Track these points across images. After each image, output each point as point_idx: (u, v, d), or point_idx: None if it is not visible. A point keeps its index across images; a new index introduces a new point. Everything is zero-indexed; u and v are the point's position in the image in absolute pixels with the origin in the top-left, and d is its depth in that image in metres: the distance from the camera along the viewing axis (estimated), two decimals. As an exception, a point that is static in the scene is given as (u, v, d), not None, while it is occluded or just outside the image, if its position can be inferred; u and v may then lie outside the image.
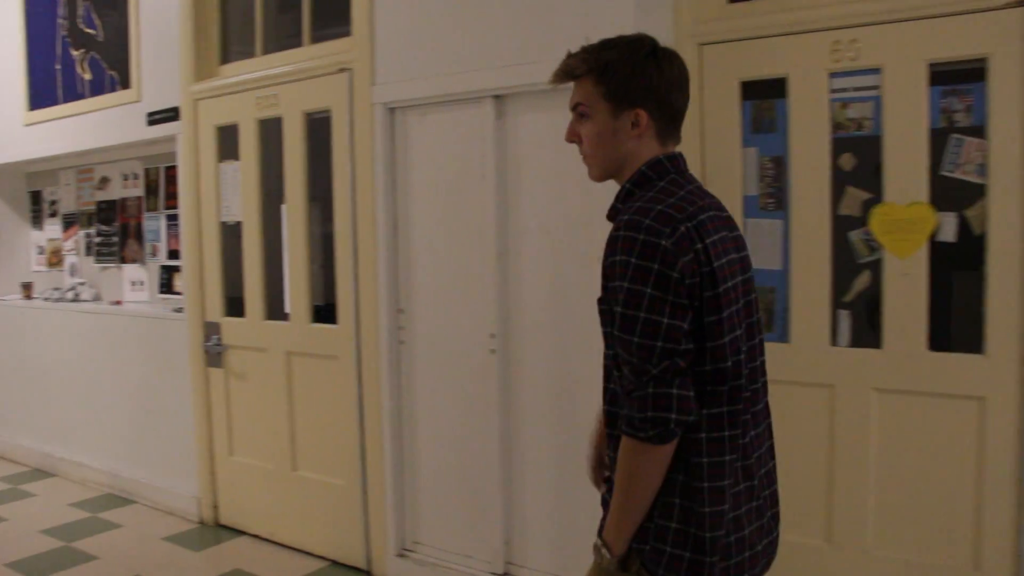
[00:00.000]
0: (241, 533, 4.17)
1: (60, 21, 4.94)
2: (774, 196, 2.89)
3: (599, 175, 1.65)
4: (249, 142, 3.94)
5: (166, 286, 4.90)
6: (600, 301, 1.56)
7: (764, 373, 1.64)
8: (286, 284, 3.91)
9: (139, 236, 5.08)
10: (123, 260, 5.19)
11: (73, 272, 5.58)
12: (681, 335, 1.44)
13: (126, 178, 5.16)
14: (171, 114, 4.29)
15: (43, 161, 5.41)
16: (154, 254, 4.97)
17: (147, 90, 4.42)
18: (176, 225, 4.82)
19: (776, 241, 2.88)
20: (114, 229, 5.26)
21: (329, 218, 3.67)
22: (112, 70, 4.62)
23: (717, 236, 1.51)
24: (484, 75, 3.08)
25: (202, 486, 4.29)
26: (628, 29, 2.72)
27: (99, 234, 5.35)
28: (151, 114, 4.39)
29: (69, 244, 5.61)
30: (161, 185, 4.91)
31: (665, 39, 2.95)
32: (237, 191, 4.01)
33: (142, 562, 3.87)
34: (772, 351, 2.81)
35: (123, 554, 3.97)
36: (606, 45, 1.60)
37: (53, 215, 5.74)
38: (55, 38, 4.98)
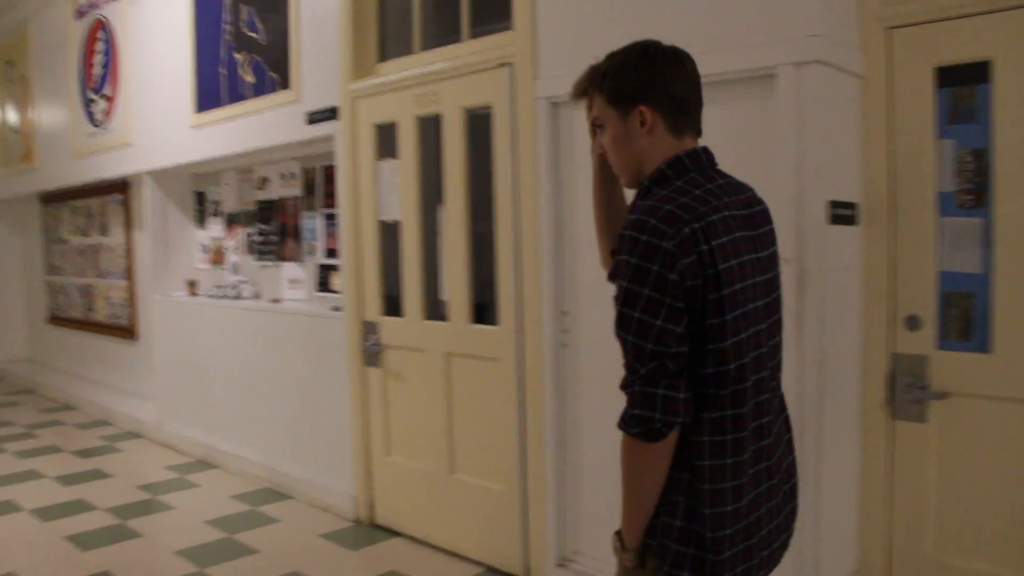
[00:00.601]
0: (396, 534, 4.33)
1: (225, 26, 5.27)
2: (973, 192, 2.74)
3: (628, 180, 1.74)
4: (408, 140, 4.08)
5: (323, 284, 5.14)
6: (615, 298, 1.61)
7: (780, 370, 1.73)
8: (443, 283, 4.03)
9: (297, 235, 5.36)
10: (282, 258, 5.49)
11: (235, 270, 5.95)
12: (672, 338, 1.50)
13: (284, 178, 5.46)
14: (330, 113, 4.50)
15: (207, 163, 5.79)
16: (311, 253, 5.24)
17: (306, 90, 4.66)
18: (333, 224, 5.05)
19: (975, 242, 2.74)
20: (273, 228, 5.57)
21: (487, 217, 3.75)
22: (273, 72, 4.89)
23: (729, 237, 1.55)
24: (652, 67, 3.06)
25: (358, 485, 4.48)
26: (811, 12, 2.68)
27: (259, 233, 5.68)
28: (310, 114, 4.62)
29: (231, 243, 5.98)
30: (318, 185, 5.17)
31: (850, 22, 2.88)
32: (395, 189, 4.17)
33: (301, 559, 4.08)
34: (969, 362, 2.76)
35: (282, 549, 4.20)
36: (607, 57, 1.72)
37: (216, 215, 6.14)
38: (220, 43, 5.32)
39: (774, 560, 1.71)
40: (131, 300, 7.36)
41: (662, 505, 1.59)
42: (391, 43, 4.41)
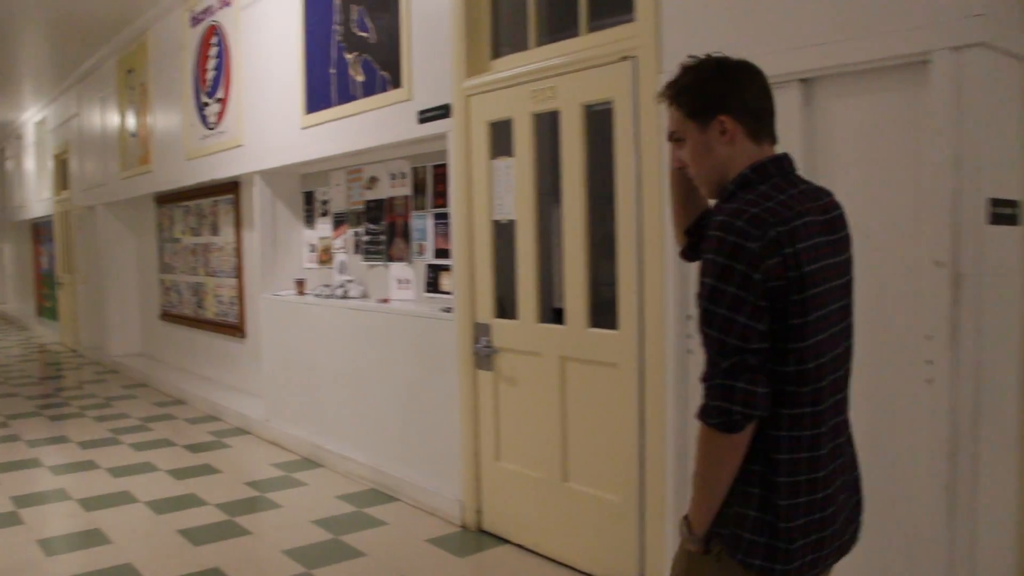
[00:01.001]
0: (504, 541, 4.23)
1: (335, 27, 5.29)
2: None
3: (709, 191, 1.80)
4: (524, 137, 3.99)
5: (432, 285, 5.10)
6: (697, 296, 1.67)
7: (848, 377, 1.78)
8: (559, 285, 3.91)
9: (406, 235, 5.34)
10: (390, 258, 5.48)
11: (342, 269, 5.98)
12: (754, 335, 1.57)
13: (394, 177, 5.44)
14: (442, 111, 4.45)
15: (317, 162, 5.84)
16: (420, 253, 5.20)
17: (418, 88, 4.62)
18: (443, 224, 5.00)
19: None
20: (382, 228, 5.56)
21: (607, 216, 3.62)
22: (384, 71, 4.87)
23: (811, 242, 1.62)
24: (788, 57, 2.88)
25: (466, 490, 4.41)
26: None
27: (367, 233, 5.69)
28: (422, 112, 4.58)
29: (339, 242, 6.01)
30: (429, 184, 5.13)
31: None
32: (510, 188, 4.08)
33: (408, 563, 4.02)
34: None
35: (388, 553, 4.15)
36: (680, 71, 1.78)
37: (324, 214, 6.18)
38: (330, 43, 5.34)
39: (843, 550, 1.77)
40: (239, 298, 7.50)
41: (735, 495, 1.66)
42: (505, 39, 4.33)
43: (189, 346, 8.79)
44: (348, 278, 5.79)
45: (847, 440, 1.79)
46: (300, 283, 6.10)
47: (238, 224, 7.43)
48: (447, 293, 4.95)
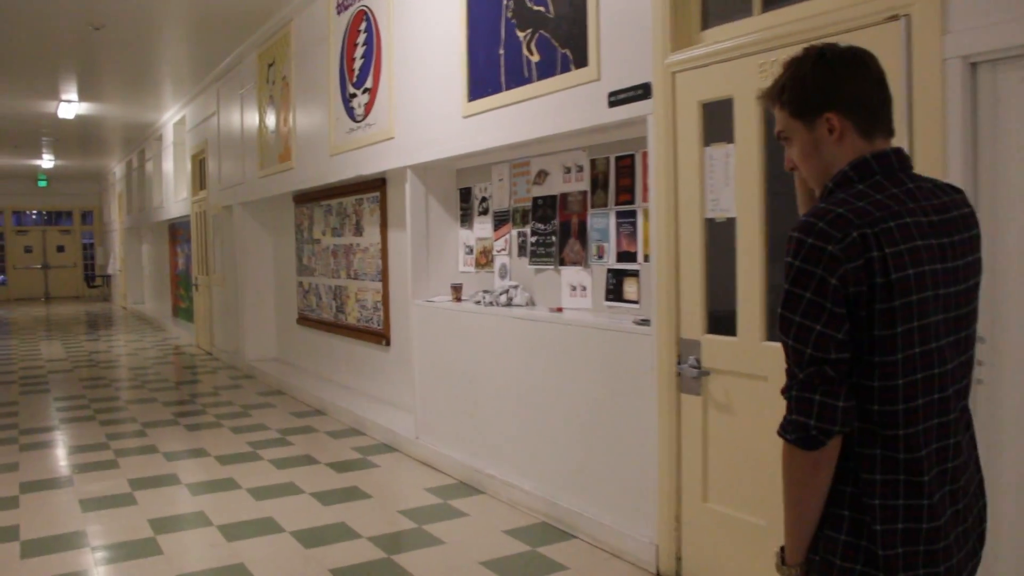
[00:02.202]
0: (712, 597, 3.64)
1: (505, 2, 4.80)
2: None
3: (821, 191, 1.68)
4: (748, 119, 3.38)
5: (614, 292, 4.54)
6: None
7: (969, 387, 1.64)
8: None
9: (582, 236, 4.80)
10: (562, 262, 4.95)
11: (504, 274, 5.49)
12: (831, 344, 1.48)
13: (568, 171, 4.91)
14: (639, 92, 3.89)
15: (476, 156, 5.37)
16: (600, 256, 4.65)
17: (608, 67, 4.07)
18: (628, 223, 4.45)
19: None
20: (552, 228, 5.04)
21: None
22: (565, 48, 4.35)
23: (907, 245, 1.50)
24: None
25: (663, 532, 3.82)
26: None
27: (534, 233, 5.18)
28: (613, 94, 4.03)
29: (500, 244, 5.53)
30: (611, 178, 4.57)
31: None
32: (728, 180, 3.47)
33: (604, 619, 3.48)
34: None
35: (578, 603, 3.62)
36: (783, 68, 1.67)
37: (483, 213, 5.71)
38: (499, 21, 4.86)
39: None
40: (385, 304, 7.14)
41: (826, 518, 1.57)
42: (713, 8, 3.73)
43: (328, 353, 8.52)
44: (512, 283, 5.29)
45: (963, 464, 1.62)
46: (457, 289, 5.65)
47: (384, 224, 7.07)
48: (632, 302, 4.39)
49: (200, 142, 11.93)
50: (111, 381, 9.66)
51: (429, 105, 5.58)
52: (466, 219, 5.91)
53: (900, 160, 1.63)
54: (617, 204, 4.55)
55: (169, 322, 15.63)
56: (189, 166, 12.77)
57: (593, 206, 4.74)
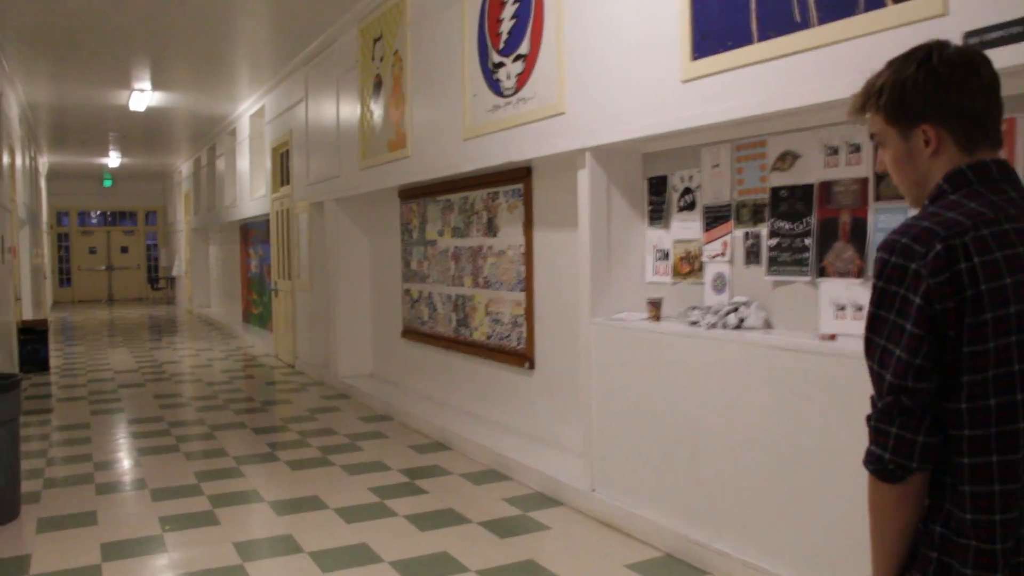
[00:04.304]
0: None
1: (748, -77, 3.54)
2: None
3: (911, 201, 1.61)
4: None
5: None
6: None
7: None
8: None
9: (857, 238, 3.52)
10: (823, 272, 3.67)
11: (720, 286, 4.22)
12: (909, 371, 1.40)
13: (833, 152, 3.63)
14: (1019, 28, 2.61)
15: (681, 135, 4.11)
16: (899, 266, 3.36)
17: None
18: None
19: None
20: (804, 227, 3.76)
21: None
22: (863, -23, 3.07)
23: (1005, 252, 1.39)
24: None
25: None
26: None
27: (775, 234, 3.91)
28: (975, 33, 2.74)
29: (714, 248, 4.25)
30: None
31: None
32: None
33: None
34: None
35: None
36: (885, 66, 1.56)
37: (687, 208, 4.44)
38: (737, -50, 3.59)
39: None
40: (528, 318, 5.90)
41: (915, 557, 1.46)
42: None
43: (444, 373, 7.30)
44: (741, 299, 4.02)
45: None
46: (656, 304, 4.38)
47: (529, 223, 5.83)
48: None
49: (283, 134, 10.82)
50: (189, 399, 8.56)
51: (621, 70, 4.33)
52: (658, 216, 4.64)
53: (1001, 169, 1.50)
54: (879, 200, 3.27)
55: (240, 328, 14.60)
56: (269, 161, 11.67)
57: (879, 198, 3.45)
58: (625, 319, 4.49)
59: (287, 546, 4.31)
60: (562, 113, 4.81)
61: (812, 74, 3.30)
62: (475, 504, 4.95)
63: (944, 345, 1.39)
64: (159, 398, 8.61)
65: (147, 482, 5.47)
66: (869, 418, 1.48)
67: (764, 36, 3.50)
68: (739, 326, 3.90)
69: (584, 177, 4.64)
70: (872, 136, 1.62)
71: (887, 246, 1.45)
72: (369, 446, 6.41)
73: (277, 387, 9.36)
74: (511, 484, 5.33)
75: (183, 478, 5.54)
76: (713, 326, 3.95)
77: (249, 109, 12.61)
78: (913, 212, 1.60)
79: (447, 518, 4.71)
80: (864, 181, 3.51)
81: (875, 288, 1.46)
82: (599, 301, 4.65)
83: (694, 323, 4.08)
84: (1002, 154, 1.53)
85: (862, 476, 1.50)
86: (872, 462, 1.45)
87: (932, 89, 1.49)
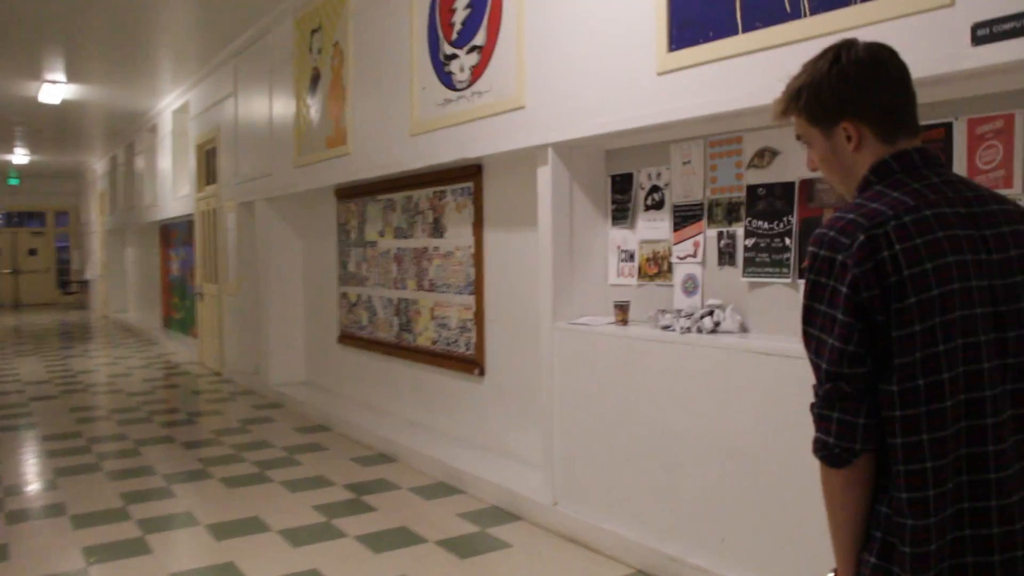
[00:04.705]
0: None
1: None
2: None
3: (845, 192, 1.65)
4: None
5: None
6: None
7: (1006, 400, 1.48)
8: None
9: (843, 237, 3.37)
10: (802, 273, 3.51)
11: (691, 288, 4.04)
12: (844, 358, 1.45)
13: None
14: (1029, 19, 2.48)
15: (648, 131, 3.92)
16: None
17: (962, -19, 2.65)
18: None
19: None
20: (783, 226, 3.60)
21: None
22: (857, -38, 2.91)
23: (926, 238, 1.43)
24: None
25: None
26: None
27: (751, 234, 3.74)
28: (983, 25, 2.60)
29: (684, 248, 4.07)
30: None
31: None
32: None
33: None
34: None
35: None
36: (800, 70, 1.62)
37: (655, 207, 4.25)
38: (715, -65, 3.41)
39: None
40: (478, 322, 5.64)
41: (866, 540, 1.50)
42: None
43: (385, 380, 6.99)
44: (715, 302, 3.84)
45: (1007, 478, 1.46)
46: (623, 308, 4.18)
47: (479, 222, 5.58)
48: None
49: (209, 130, 10.33)
50: (109, 412, 8.02)
51: (589, 62, 4.12)
52: (622, 216, 4.44)
53: (924, 157, 1.56)
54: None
55: (160, 334, 13.95)
56: (193, 158, 11.13)
57: (865, 195, 3.29)
58: (590, 323, 4.27)
59: (231, 574, 3.96)
60: (521, 107, 4.57)
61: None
62: (429, 521, 4.67)
63: (875, 331, 1.44)
64: (75, 411, 8.06)
65: (66, 507, 5.01)
66: (812, 406, 1.52)
67: (750, 26, 3.32)
68: (714, 330, 3.72)
69: (545, 174, 4.41)
70: (798, 138, 1.68)
71: (817, 240, 1.50)
72: (308, 459, 6.06)
73: (204, 396, 8.88)
74: (464, 498, 5.06)
75: (107, 501, 5.10)
76: (688, 330, 3.76)
77: (172, 104, 12.03)
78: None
79: (401, 537, 4.41)
80: (849, 179, 3.36)
81: (807, 281, 1.51)
82: (561, 305, 4.43)
83: (667, 327, 3.88)
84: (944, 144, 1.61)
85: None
86: (819, 448, 1.49)
87: (846, 87, 1.55)
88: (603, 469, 4.14)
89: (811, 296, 1.50)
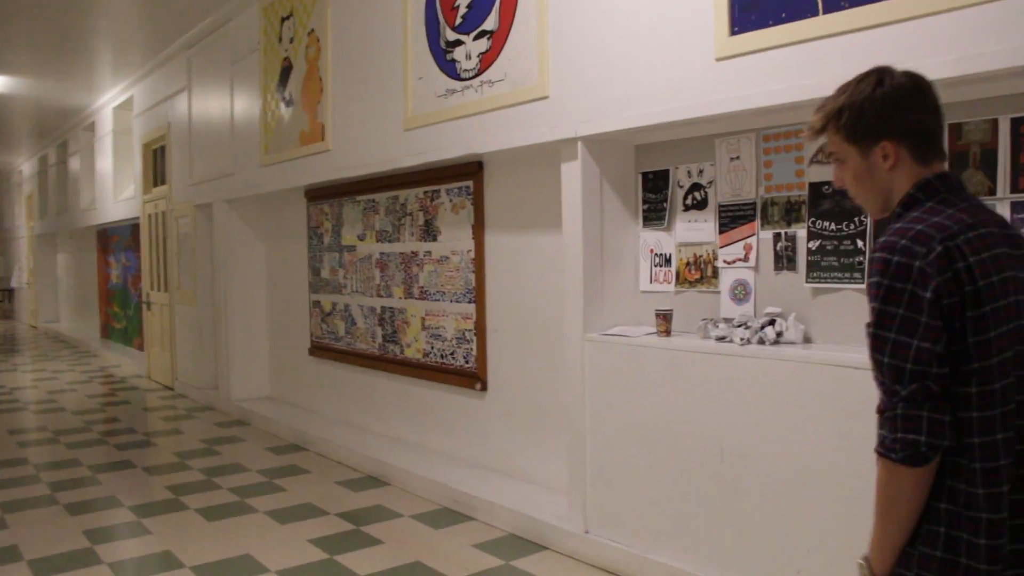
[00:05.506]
0: None
1: None
2: None
3: (874, 213, 1.76)
4: None
5: None
6: (867, 325, 1.60)
7: None
8: None
9: (930, 238, 3.08)
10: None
11: (742, 295, 3.71)
12: (932, 357, 1.49)
13: (894, 139, 3.18)
14: None
15: (707, 121, 3.59)
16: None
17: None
18: (1042, 218, 2.78)
19: None
20: (855, 227, 3.30)
21: None
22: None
23: (988, 253, 1.54)
24: None
25: None
26: None
27: (815, 235, 3.43)
28: None
29: (733, 251, 3.74)
30: (1003, 152, 2.87)
31: None
32: None
33: None
34: None
35: None
36: (838, 91, 1.70)
37: (696, 206, 3.92)
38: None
39: None
40: (479, 333, 5.24)
41: (920, 535, 1.56)
42: None
43: (366, 395, 6.53)
44: (774, 310, 3.52)
45: None
46: (666, 317, 3.83)
47: (480, 225, 5.18)
48: None
49: (157, 127, 9.70)
50: (56, 433, 7.37)
51: (629, 47, 3.78)
52: (656, 216, 4.10)
53: (957, 180, 1.67)
54: (1017, 191, 2.86)
55: (98, 345, 13.18)
56: (139, 158, 10.47)
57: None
58: (627, 334, 3.92)
59: (232, 625, 3.51)
60: (544, 97, 4.20)
61: (901, 50, 2.83)
62: (443, 553, 4.25)
63: (951, 336, 1.51)
64: (16, 434, 7.40)
65: (21, 550, 4.42)
66: (887, 408, 1.54)
67: (833, 6, 3.00)
68: (776, 341, 3.40)
69: (574, 171, 4.04)
70: (830, 155, 1.76)
71: (888, 247, 1.55)
72: (291, 484, 5.58)
73: (159, 414, 8.27)
74: (476, 526, 4.66)
75: (70, 541, 4.54)
76: (747, 341, 3.44)
77: (113, 100, 11.32)
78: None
79: (417, 575, 4.00)
80: (936, 174, 3.08)
81: (879, 286, 1.54)
82: (592, 315, 4.06)
83: (722, 338, 3.55)
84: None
85: None
86: (903, 447, 1.50)
87: (887, 108, 1.64)
88: (647, 493, 3.79)
89: (885, 300, 1.53)
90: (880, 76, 1.66)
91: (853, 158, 1.69)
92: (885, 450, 1.53)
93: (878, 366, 1.56)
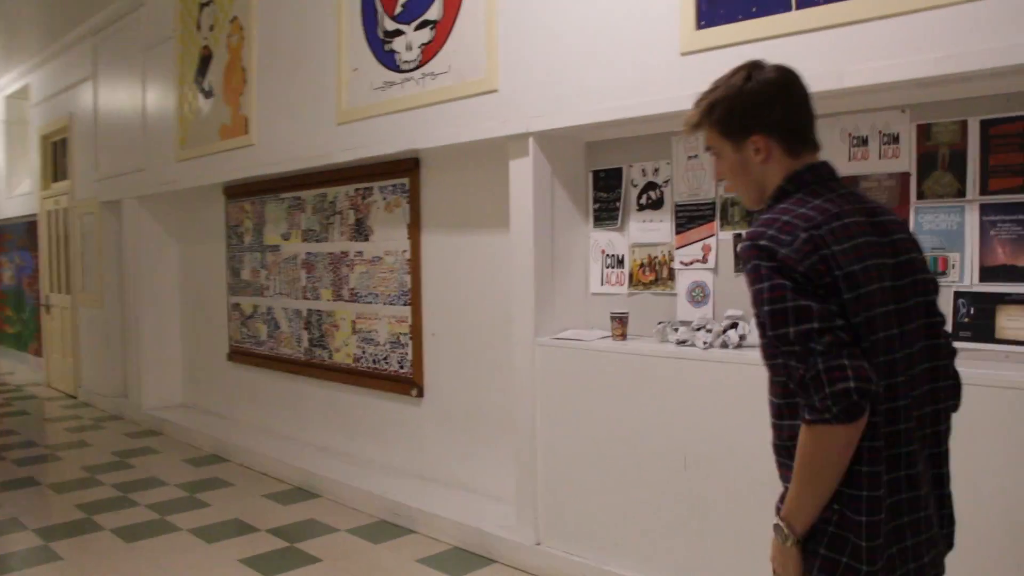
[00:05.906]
0: None
1: None
2: None
3: (750, 203, 1.79)
4: None
5: (976, 328, 2.83)
6: (757, 308, 1.59)
7: (935, 378, 1.68)
8: None
9: (898, 240, 3.06)
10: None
11: (700, 297, 3.63)
12: (834, 314, 1.51)
13: (860, 143, 3.17)
14: None
15: (668, 118, 3.50)
16: (941, 271, 2.94)
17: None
18: (1011, 223, 2.80)
19: None
20: (820, 228, 3.26)
21: None
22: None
23: (850, 243, 1.56)
24: None
25: None
26: None
27: (779, 236, 3.37)
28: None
29: (691, 252, 3.66)
30: (971, 154, 2.88)
31: None
32: None
33: None
34: None
35: None
36: (712, 86, 1.76)
37: (651, 206, 3.83)
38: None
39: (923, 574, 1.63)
40: (415, 337, 5.05)
41: (841, 499, 1.56)
42: None
43: (291, 402, 6.25)
44: (736, 313, 3.44)
45: (932, 438, 1.68)
46: (622, 320, 3.72)
47: (416, 224, 4.99)
48: (1015, 342, 2.72)
49: (58, 119, 9.14)
50: (-53, 446, 6.85)
51: (586, 39, 3.65)
52: (607, 216, 3.99)
53: (828, 170, 1.71)
54: (985, 192, 2.86)
55: (-12, 351, 12.40)
56: (36, 152, 9.86)
57: (922, 196, 3.01)
58: (579, 338, 3.80)
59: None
60: (494, 91, 4.04)
61: (876, 48, 2.78)
62: (386, 570, 4.05)
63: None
64: (-98, 446, 6.85)
65: (-78, 574, 4.08)
66: (805, 372, 1.49)
67: (807, 1, 2.94)
68: (740, 344, 3.33)
69: (525, 169, 3.89)
70: (707, 149, 1.79)
71: (755, 236, 1.59)
72: (214, 499, 5.27)
73: (62, 425, 7.77)
74: (418, 539, 4.46)
75: (-25, 564, 4.20)
76: (710, 345, 3.35)
77: (6, 88, 10.64)
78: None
79: (359, 593, 3.79)
80: (904, 177, 3.05)
81: (758, 268, 1.57)
82: (544, 318, 3.93)
83: (683, 342, 3.45)
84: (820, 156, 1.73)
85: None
86: (836, 400, 1.46)
87: (756, 103, 1.68)
88: (604, 503, 3.67)
89: (771, 277, 1.54)
90: (750, 71, 1.70)
91: (728, 152, 1.74)
92: (818, 414, 1.48)
93: (784, 339, 1.53)
